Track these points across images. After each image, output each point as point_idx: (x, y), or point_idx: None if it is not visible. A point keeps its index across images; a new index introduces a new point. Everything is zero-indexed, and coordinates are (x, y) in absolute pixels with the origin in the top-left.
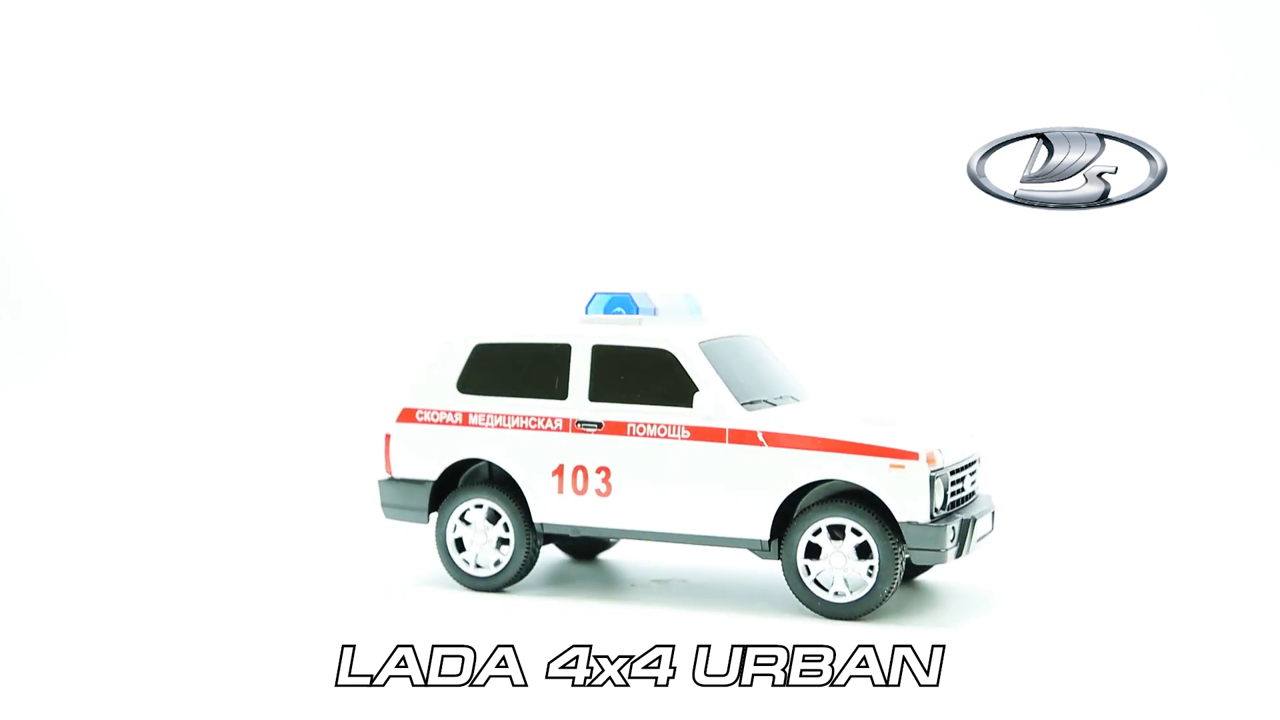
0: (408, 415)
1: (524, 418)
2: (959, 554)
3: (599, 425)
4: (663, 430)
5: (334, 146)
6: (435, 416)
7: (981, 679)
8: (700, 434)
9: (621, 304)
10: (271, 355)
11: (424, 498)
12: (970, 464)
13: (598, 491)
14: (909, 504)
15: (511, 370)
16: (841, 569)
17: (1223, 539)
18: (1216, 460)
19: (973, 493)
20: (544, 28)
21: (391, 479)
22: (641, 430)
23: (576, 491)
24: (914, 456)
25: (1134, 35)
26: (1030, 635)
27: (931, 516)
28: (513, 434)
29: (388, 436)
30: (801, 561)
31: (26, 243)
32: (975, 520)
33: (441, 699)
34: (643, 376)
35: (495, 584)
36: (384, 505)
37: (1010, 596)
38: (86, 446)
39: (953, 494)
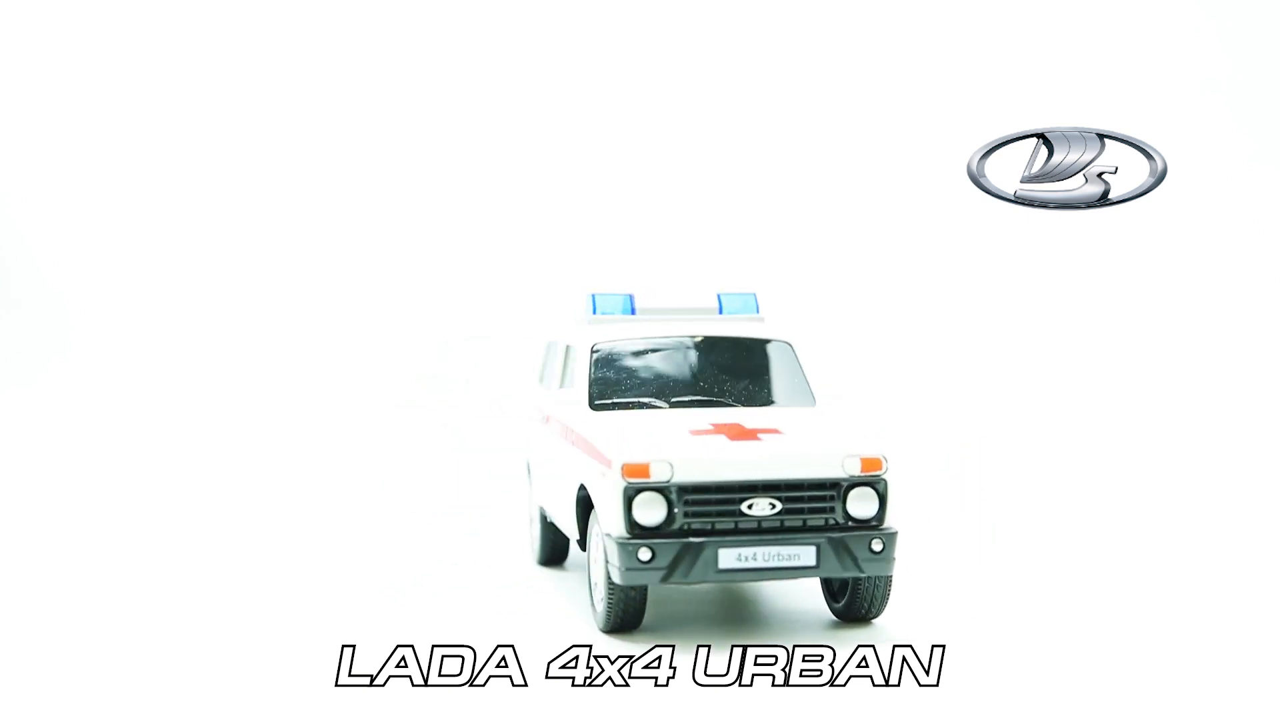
0: None
1: (533, 408)
2: (667, 579)
3: (546, 417)
4: (545, 420)
5: (338, 146)
6: None
7: (981, 679)
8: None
9: (603, 304)
10: (271, 354)
11: None
12: (768, 485)
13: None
14: (607, 515)
15: (551, 368)
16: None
17: (1221, 538)
18: (1216, 459)
19: (790, 524)
20: (575, 33)
21: None
22: (546, 420)
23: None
24: (608, 464)
25: (1134, 35)
26: (1030, 635)
27: (630, 531)
28: (527, 424)
29: None
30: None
31: (26, 242)
32: (704, 547)
33: (441, 699)
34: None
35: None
36: None
37: (1010, 597)
38: (86, 445)
39: (714, 513)
